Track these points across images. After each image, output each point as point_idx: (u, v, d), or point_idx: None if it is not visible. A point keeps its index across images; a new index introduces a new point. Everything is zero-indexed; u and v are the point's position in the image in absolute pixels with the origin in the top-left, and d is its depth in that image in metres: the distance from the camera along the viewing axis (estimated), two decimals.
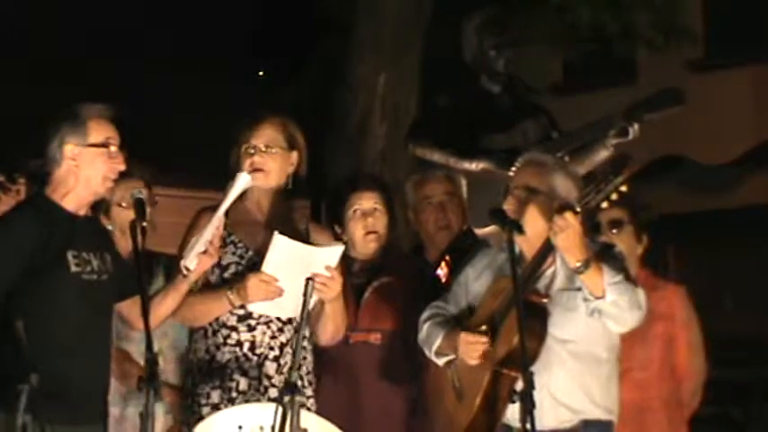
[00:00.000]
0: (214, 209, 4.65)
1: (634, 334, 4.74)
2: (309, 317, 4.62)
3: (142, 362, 4.72)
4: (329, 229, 5.06)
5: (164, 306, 4.54)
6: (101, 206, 5.04)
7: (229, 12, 14.73)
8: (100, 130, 4.42)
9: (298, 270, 4.45)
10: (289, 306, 4.53)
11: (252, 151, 4.72)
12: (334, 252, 4.54)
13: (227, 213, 4.56)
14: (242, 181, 4.53)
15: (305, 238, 4.68)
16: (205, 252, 4.48)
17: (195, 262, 4.49)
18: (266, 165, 4.73)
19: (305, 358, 4.76)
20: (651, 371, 5.21)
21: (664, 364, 5.26)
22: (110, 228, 5.03)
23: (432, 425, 4.85)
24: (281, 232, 4.47)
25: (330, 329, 4.77)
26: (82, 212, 4.48)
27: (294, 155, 4.80)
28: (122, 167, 4.45)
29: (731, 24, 12.88)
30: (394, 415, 5.08)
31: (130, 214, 4.52)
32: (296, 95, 11.79)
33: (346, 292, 4.76)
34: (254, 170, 4.69)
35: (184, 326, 4.97)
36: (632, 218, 5.31)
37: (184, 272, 4.51)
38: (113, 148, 4.42)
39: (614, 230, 5.24)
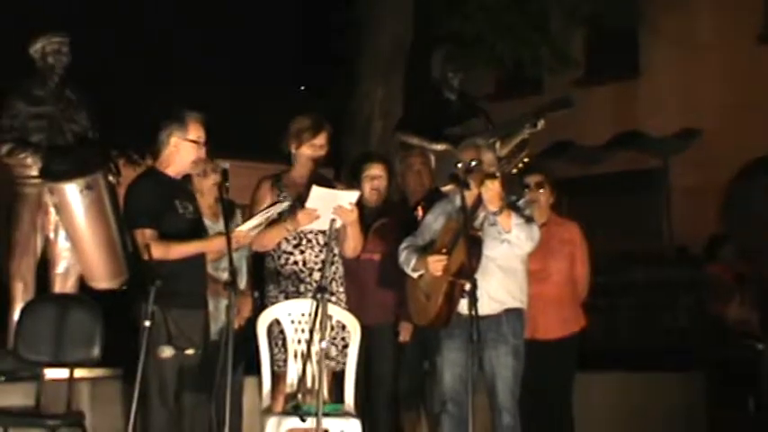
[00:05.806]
0: (271, 178, 4.73)
1: (552, 254, 5.02)
2: (337, 241, 4.63)
3: (211, 272, 4.60)
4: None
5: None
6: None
7: (277, 43, 14.22)
8: (196, 130, 4.36)
9: (329, 205, 4.48)
10: (324, 223, 4.53)
11: (318, 146, 4.72)
12: (352, 194, 4.56)
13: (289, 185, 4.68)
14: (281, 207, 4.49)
15: (332, 188, 4.67)
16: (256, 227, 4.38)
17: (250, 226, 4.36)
18: (322, 156, 4.77)
19: (337, 268, 4.76)
20: (562, 276, 5.25)
21: (569, 272, 5.30)
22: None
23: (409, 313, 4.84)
24: (317, 185, 4.48)
25: (351, 245, 4.74)
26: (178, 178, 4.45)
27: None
28: (203, 157, 4.41)
29: (602, 53, 12.98)
30: (387, 306, 5.08)
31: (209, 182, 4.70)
32: (328, 105, 11.76)
33: (361, 224, 4.74)
34: (319, 157, 4.73)
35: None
36: (548, 180, 5.33)
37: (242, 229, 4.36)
38: (200, 144, 4.38)
39: (540, 190, 5.27)
